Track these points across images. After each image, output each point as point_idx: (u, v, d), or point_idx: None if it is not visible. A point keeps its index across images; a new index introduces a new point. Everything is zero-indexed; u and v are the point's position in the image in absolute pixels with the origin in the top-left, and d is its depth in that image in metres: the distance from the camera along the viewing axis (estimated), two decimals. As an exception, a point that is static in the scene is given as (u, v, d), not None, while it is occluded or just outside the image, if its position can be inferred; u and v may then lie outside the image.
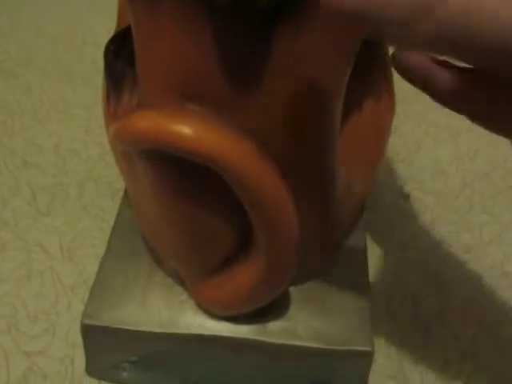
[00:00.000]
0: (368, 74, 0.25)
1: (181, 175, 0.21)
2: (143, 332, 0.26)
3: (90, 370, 0.30)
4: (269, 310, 0.26)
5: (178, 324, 0.26)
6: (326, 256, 0.27)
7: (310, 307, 0.27)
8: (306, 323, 0.26)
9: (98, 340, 0.28)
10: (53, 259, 0.35)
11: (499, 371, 0.31)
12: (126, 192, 0.32)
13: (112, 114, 0.23)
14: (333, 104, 0.20)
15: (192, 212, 0.22)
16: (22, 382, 0.30)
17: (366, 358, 0.26)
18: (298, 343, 0.26)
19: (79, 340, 0.31)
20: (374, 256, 0.35)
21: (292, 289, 0.27)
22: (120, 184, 0.40)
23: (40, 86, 0.50)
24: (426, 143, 0.45)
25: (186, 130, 0.18)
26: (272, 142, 0.20)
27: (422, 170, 0.42)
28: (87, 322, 0.27)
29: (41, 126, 0.46)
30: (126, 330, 0.26)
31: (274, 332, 0.26)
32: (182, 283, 0.27)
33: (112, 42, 0.23)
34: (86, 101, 0.48)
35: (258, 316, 0.26)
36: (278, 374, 0.27)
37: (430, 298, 0.34)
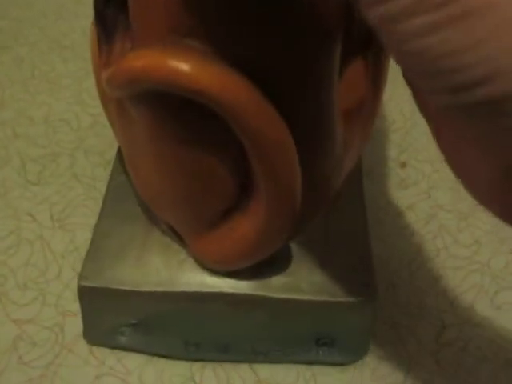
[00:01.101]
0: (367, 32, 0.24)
1: (178, 119, 0.20)
2: (142, 292, 0.25)
3: (87, 336, 0.29)
4: (270, 265, 0.25)
5: (177, 282, 0.26)
6: (324, 209, 0.26)
7: (311, 261, 0.26)
8: (308, 277, 0.25)
9: (96, 303, 0.27)
10: (43, 228, 0.35)
11: (497, 337, 0.30)
12: (118, 155, 0.32)
13: (104, 64, 0.23)
14: (333, 39, 0.19)
15: (190, 159, 0.21)
16: (12, 349, 0.29)
17: (371, 309, 0.25)
18: (301, 297, 0.25)
19: (69, 307, 0.30)
20: (370, 225, 0.35)
21: (292, 244, 0.26)
22: (111, 154, 0.39)
23: (30, 59, 0.49)
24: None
25: (183, 65, 0.17)
26: (272, 81, 0.19)
27: (417, 138, 0.41)
28: (84, 283, 0.26)
29: (31, 98, 0.45)
30: (125, 291, 0.26)
31: (275, 287, 0.25)
32: (181, 242, 0.26)
33: None
34: (77, 72, 0.48)
35: (260, 272, 0.25)
36: (281, 331, 0.27)
37: (426, 265, 0.33)
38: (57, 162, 0.39)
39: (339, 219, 0.28)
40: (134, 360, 0.28)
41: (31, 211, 0.36)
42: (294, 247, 0.26)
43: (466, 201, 0.37)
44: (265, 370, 0.28)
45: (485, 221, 0.36)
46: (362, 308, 0.25)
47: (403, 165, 0.39)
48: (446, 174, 0.38)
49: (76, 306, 0.30)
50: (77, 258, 0.33)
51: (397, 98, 0.44)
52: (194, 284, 0.25)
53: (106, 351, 0.29)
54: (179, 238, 0.27)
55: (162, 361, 0.28)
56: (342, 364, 0.28)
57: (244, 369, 0.28)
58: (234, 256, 0.24)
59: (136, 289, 0.26)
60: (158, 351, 0.29)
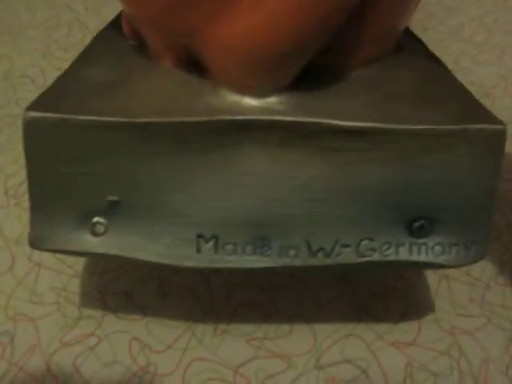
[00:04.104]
0: None
1: None
2: (132, 124, 0.16)
3: (36, 235, 0.18)
4: (331, 91, 0.17)
5: (189, 109, 0.16)
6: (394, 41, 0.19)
7: (386, 92, 0.18)
8: (396, 105, 0.17)
9: (52, 158, 0.17)
10: (-6, 206, 0.27)
11: None
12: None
13: None
14: None
15: None
16: None
17: (499, 149, 0.17)
18: (393, 126, 0.16)
19: (23, 310, 0.23)
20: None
21: (360, 71, 0.18)
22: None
23: (-8, 8, 0.41)
24: (464, 63, 0.36)
25: None
26: None
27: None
28: (34, 113, 0.16)
29: (-10, 52, 0.37)
30: (101, 125, 0.16)
31: (346, 113, 0.16)
32: (191, 68, 0.18)
33: None
34: (45, 22, 0.40)
35: (315, 95, 0.17)
36: (352, 201, 0.17)
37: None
38: (16, 125, 0.32)
39: (413, 54, 0.20)
40: (107, 381, 0.21)
41: (-19, 186, 0.28)
42: (361, 74, 0.18)
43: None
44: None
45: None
46: (488, 146, 0.16)
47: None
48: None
49: (32, 308, 0.23)
50: (35, 244, 0.25)
51: (432, 47, 0.37)
52: (216, 110, 0.16)
53: (68, 369, 0.22)
54: (191, 63, 0.18)
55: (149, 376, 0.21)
56: (442, 266, 0.18)
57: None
58: (279, 26, 0.15)
59: (117, 119, 0.16)
60: (153, 257, 0.18)
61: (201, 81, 0.18)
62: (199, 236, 0.18)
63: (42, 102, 0.17)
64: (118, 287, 0.24)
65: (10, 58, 0.36)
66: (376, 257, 0.18)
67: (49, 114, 0.16)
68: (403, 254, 0.18)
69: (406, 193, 0.17)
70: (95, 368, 0.21)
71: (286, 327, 0.23)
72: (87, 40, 0.38)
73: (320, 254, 0.18)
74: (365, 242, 0.18)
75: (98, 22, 0.40)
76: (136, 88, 0.17)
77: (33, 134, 0.17)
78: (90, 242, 0.18)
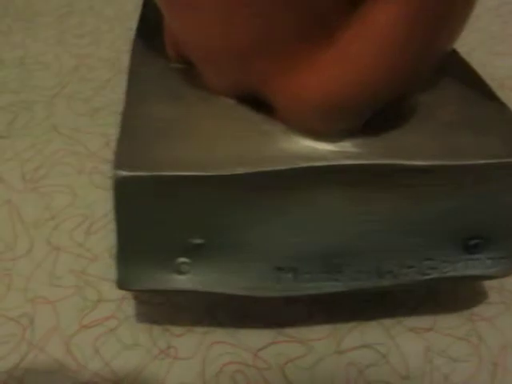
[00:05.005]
0: None
1: None
2: (214, 178, 0.17)
3: (123, 278, 0.19)
4: (394, 126, 0.19)
5: (264, 159, 0.17)
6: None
7: (442, 122, 0.19)
8: (454, 137, 0.18)
9: (140, 209, 0.18)
10: (11, 191, 0.27)
11: None
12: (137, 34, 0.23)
13: None
14: None
15: None
16: (-34, 347, 0.22)
17: None
18: (460, 162, 0.18)
19: (42, 292, 0.23)
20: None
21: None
22: (99, 101, 0.32)
23: (5, -5, 0.41)
24: (480, 54, 0.36)
25: None
26: None
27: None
28: (125, 173, 0.17)
29: (3, 38, 0.37)
30: (186, 179, 0.17)
31: (412, 152, 0.18)
32: (257, 108, 0.19)
33: None
34: (59, 9, 0.40)
35: (385, 133, 0.18)
36: (417, 228, 0.19)
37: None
38: (32, 111, 0.32)
39: (452, 78, 0.21)
40: (127, 363, 0.21)
41: (-2, 170, 0.28)
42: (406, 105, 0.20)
43: None
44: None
45: None
46: None
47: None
48: None
49: (51, 291, 0.23)
50: (54, 228, 0.26)
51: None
52: (292, 156, 0.17)
53: (88, 350, 0.22)
54: (255, 103, 0.19)
55: (166, 361, 0.21)
56: (493, 277, 0.20)
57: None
58: (357, 78, 0.16)
59: (204, 173, 0.17)
60: (237, 291, 0.19)
61: (269, 122, 0.19)
62: (279, 269, 0.19)
63: (126, 158, 0.17)
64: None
65: (25, 46, 0.36)
66: (436, 274, 0.20)
67: (138, 173, 0.17)
68: (460, 270, 0.20)
69: (463, 217, 0.19)
70: (115, 350, 0.22)
71: (305, 312, 0.23)
72: (101, 27, 0.38)
73: (388, 276, 0.19)
74: (427, 262, 0.19)
75: (111, 10, 0.40)
76: (206, 130, 0.18)
77: (123, 191, 0.17)
78: (176, 280, 0.19)
